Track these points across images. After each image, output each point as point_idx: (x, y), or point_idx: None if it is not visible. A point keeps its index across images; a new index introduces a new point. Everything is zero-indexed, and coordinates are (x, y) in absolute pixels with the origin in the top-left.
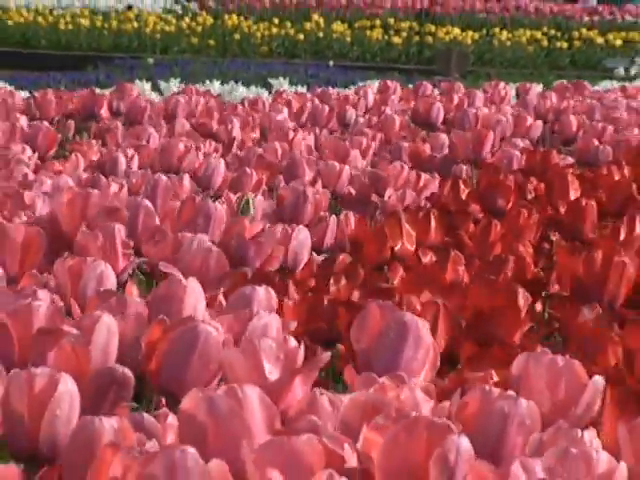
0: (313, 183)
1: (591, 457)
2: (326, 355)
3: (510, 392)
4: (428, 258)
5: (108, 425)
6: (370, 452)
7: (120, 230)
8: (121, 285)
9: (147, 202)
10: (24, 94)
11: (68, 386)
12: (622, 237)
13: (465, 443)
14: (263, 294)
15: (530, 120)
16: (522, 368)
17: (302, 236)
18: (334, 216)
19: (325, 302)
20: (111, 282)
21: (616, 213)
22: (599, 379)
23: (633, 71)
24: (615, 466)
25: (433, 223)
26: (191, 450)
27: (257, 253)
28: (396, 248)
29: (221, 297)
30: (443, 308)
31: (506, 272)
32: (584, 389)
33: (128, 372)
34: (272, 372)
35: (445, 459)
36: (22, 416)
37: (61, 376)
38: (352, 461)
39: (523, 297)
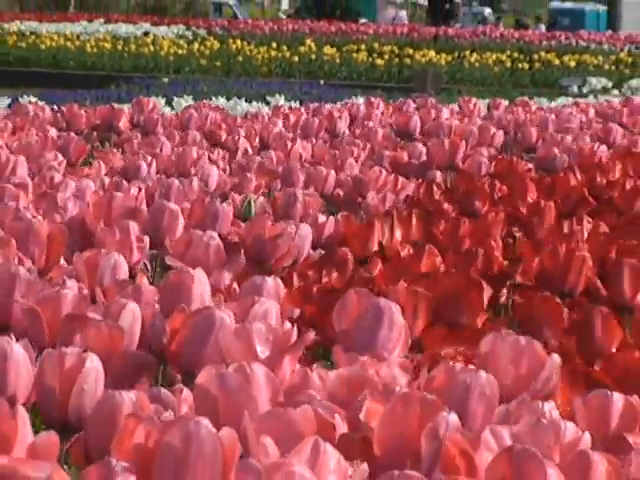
0: (306, 186)
1: (559, 427)
2: (310, 336)
3: (471, 366)
4: (406, 252)
5: (127, 398)
6: (370, 423)
7: (134, 227)
8: (135, 275)
9: (173, 205)
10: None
11: (94, 363)
12: (577, 234)
13: (454, 418)
14: (272, 283)
15: (494, 130)
16: (489, 346)
17: (304, 232)
18: (323, 215)
19: (314, 290)
20: (124, 271)
21: (570, 213)
22: (556, 357)
23: (585, 89)
24: (580, 436)
25: (413, 221)
26: (204, 420)
27: (274, 251)
28: (382, 242)
29: (235, 285)
30: (422, 296)
31: (476, 264)
32: (543, 366)
33: (151, 356)
34: (264, 352)
35: (435, 432)
36: (54, 389)
37: (88, 355)
38: (342, 429)
39: (486, 287)
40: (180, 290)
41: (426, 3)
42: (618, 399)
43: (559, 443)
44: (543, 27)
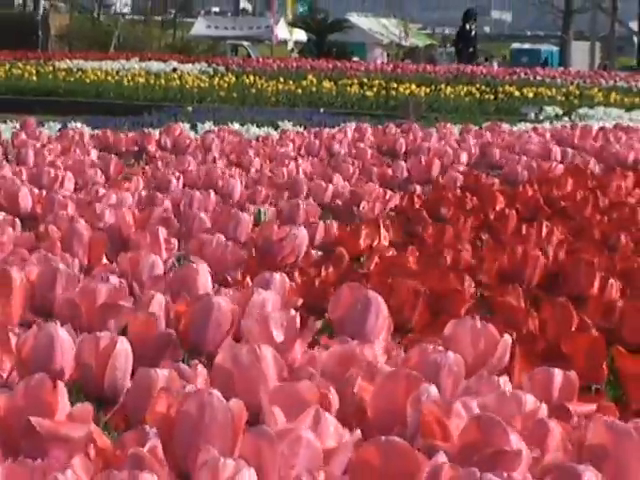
0: (307, 198)
1: (520, 399)
2: (317, 323)
3: (440, 348)
4: (391, 252)
5: (161, 375)
6: (364, 395)
7: (163, 231)
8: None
9: (202, 214)
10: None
11: (124, 345)
12: (534, 237)
13: (434, 390)
14: (279, 278)
15: (465, 151)
16: (452, 330)
17: (301, 235)
18: (321, 221)
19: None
20: (160, 269)
21: (530, 219)
22: (507, 337)
23: (541, 116)
24: (539, 406)
25: (396, 226)
26: (216, 392)
27: (279, 250)
28: (371, 244)
29: (248, 279)
30: (412, 289)
31: (448, 262)
32: (497, 345)
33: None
34: (278, 336)
35: (418, 402)
36: (91, 367)
37: (119, 338)
38: (335, 401)
39: (467, 281)
40: (187, 280)
41: (408, 44)
42: (558, 374)
43: (520, 412)
44: (496, 64)
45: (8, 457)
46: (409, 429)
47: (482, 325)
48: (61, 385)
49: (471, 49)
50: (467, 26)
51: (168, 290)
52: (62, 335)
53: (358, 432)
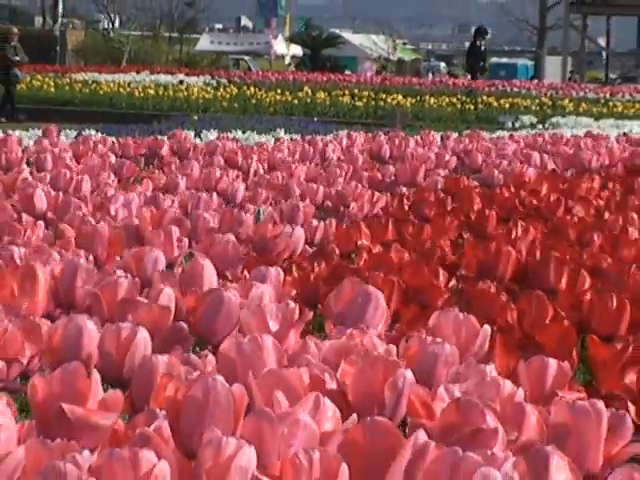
0: (302, 199)
1: (499, 384)
2: (309, 314)
3: (438, 339)
4: (377, 249)
5: (162, 361)
6: (345, 379)
7: (175, 230)
8: (176, 265)
9: (207, 214)
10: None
11: (143, 335)
12: (512, 235)
13: (409, 374)
14: (274, 272)
15: (447, 156)
16: (436, 321)
17: (297, 233)
18: (317, 221)
19: (311, 278)
20: (163, 264)
21: (507, 219)
22: (487, 328)
23: (517, 124)
24: (515, 391)
25: (385, 226)
26: (220, 377)
27: (274, 246)
28: (358, 243)
29: (246, 273)
30: (396, 283)
31: (433, 259)
32: (477, 335)
33: (186, 328)
34: (274, 326)
35: (395, 385)
36: (112, 355)
37: (139, 328)
38: (331, 384)
39: (443, 276)
40: (194, 275)
41: (396, 59)
42: (553, 363)
43: (499, 397)
44: (469, 76)
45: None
46: (387, 409)
47: (464, 316)
48: (95, 373)
49: (481, 63)
50: (477, 42)
51: (177, 285)
52: (89, 326)
53: (354, 416)
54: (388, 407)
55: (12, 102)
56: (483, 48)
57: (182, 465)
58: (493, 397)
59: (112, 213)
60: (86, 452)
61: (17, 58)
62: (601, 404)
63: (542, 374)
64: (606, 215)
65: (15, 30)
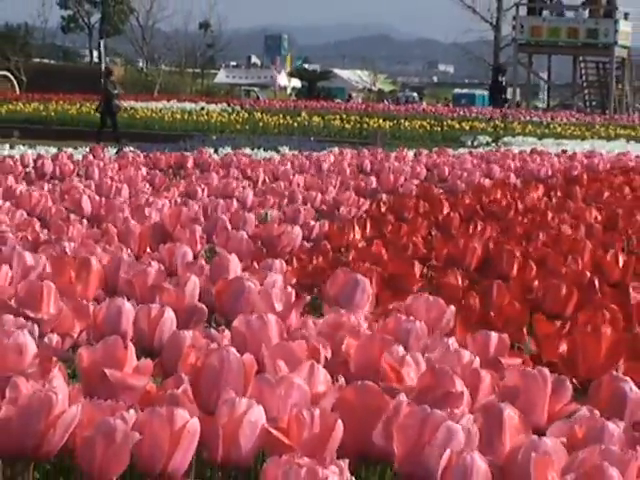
0: (303, 203)
1: (460, 354)
2: (307, 297)
3: (411, 318)
4: (362, 244)
5: (188, 336)
6: (349, 352)
7: (198, 229)
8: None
9: (223, 216)
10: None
11: (170, 314)
12: (472, 232)
13: (401, 349)
14: (279, 263)
15: (419, 169)
16: (411, 303)
17: (297, 232)
18: (313, 221)
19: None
20: (189, 256)
21: (468, 220)
22: (452, 308)
23: (475, 143)
24: (473, 359)
25: (368, 226)
26: (233, 349)
27: (279, 242)
28: (349, 238)
29: (255, 264)
30: (378, 272)
31: (409, 252)
32: (444, 314)
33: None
34: (279, 307)
35: (389, 357)
36: (145, 330)
37: (165, 308)
38: (326, 354)
39: (417, 266)
40: (221, 267)
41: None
42: (495, 336)
43: (460, 364)
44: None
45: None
46: (382, 376)
47: (433, 299)
48: (130, 345)
49: (503, 96)
50: (499, 78)
51: (202, 273)
52: (127, 307)
53: (342, 380)
54: (382, 375)
55: (115, 128)
56: (504, 83)
57: (203, 421)
58: (454, 364)
59: (147, 215)
60: (131, 411)
61: (116, 91)
62: (546, 370)
63: (486, 344)
64: (548, 216)
65: (114, 68)
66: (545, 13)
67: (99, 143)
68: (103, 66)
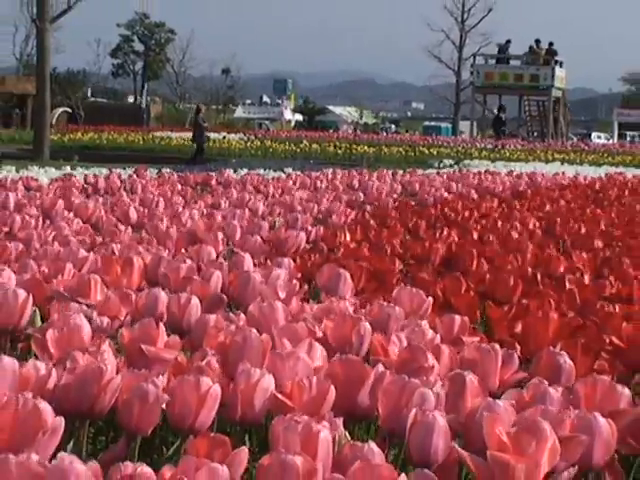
0: (304, 213)
1: (427, 334)
2: (305, 288)
3: (391, 305)
4: (352, 245)
5: (211, 318)
6: (327, 330)
7: (220, 233)
8: (220, 256)
9: (241, 223)
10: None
11: (196, 301)
12: (438, 236)
13: (367, 325)
14: (286, 261)
15: (396, 186)
16: (396, 294)
17: (300, 236)
18: (311, 227)
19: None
20: (213, 255)
21: (434, 226)
22: (430, 299)
23: (441, 165)
24: (435, 336)
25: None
26: (253, 330)
27: (286, 244)
28: (340, 240)
29: (268, 262)
30: (365, 268)
31: (388, 252)
32: (424, 303)
33: (224, 296)
34: (282, 295)
35: (359, 332)
36: (176, 314)
37: (192, 296)
38: (319, 333)
39: (396, 263)
40: (238, 263)
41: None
42: (458, 319)
43: (424, 341)
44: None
45: (129, 369)
46: (354, 348)
47: (415, 291)
48: (162, 325)
49: (503, 128)
50: (500, 114)
51: (224, 269)
52: (162, 295)
53: (338, 355)
54: (355, 346)
55: (202, 154)
56: (504, 118)
57: (224, 386)
58: (420, 341)
59: (182, 222)
60: (161, 377)
61: (206, 124)
62: (497, 346)
63: (451, 325)
64: (499, 223)
65: (203, 106)
66: (495, 62)
67: (195, 165)
68: (144, 103)
